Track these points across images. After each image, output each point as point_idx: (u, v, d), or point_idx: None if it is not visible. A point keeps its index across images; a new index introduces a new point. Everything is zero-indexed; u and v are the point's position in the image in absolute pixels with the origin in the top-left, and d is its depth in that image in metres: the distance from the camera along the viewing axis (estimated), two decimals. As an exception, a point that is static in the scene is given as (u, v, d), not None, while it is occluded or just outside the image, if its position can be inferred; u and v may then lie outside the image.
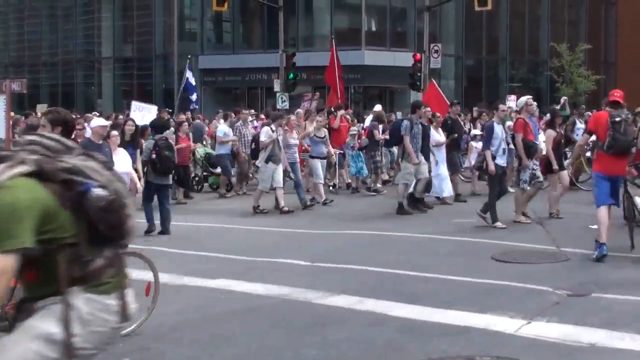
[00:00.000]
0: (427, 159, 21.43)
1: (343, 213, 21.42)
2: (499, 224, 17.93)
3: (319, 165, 23.68)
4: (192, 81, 34.26)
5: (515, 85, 62.95)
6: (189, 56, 39.30)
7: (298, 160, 23.58)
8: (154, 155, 17.87)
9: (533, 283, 12.20)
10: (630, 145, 14.25)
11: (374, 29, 60.92)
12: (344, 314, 10.78)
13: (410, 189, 21.30)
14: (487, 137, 18.76)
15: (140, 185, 17.59)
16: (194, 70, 63.83)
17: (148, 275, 10.24)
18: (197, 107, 34.96)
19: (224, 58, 62.66)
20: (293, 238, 17.68)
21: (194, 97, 34.10)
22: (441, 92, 28.61)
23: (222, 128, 26.72)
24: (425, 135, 21.20)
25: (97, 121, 16.31)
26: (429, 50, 44.53)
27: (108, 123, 16.46)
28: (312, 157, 24.17)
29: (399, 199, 20.91)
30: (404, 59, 48.82)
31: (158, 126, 19.73)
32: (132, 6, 68.68)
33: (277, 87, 43.46)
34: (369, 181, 26.25)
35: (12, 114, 19.76)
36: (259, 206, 21.75)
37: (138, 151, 19.00)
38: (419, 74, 42.11)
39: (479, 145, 23.70)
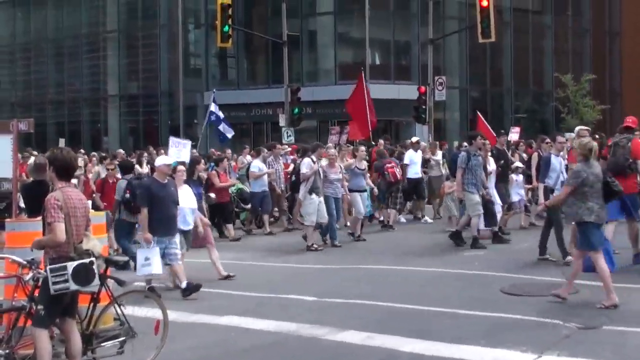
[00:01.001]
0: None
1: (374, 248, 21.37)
2: (569, 258, 16.20)
3: (359, 199, 22.83)
4: (220, 113, 33.93)
5: (521, 117, 62.95)
6: (214, 90, 39.26)
7: (341, 195, 22.60)
8: (127, 195, 18.42)
9: (543, 316, 12.15)
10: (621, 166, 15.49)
11: (378, 62, 61.02)
12: (354, 350, 10.74)
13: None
14: (544, 169, 18.14)
15: (207, 221, 17.62)
16: (200, 107, 64.44)
17: (157, 313, 10.22)
18: (229, 138, 34.69)
19: (229, 94, 62.64)
20: (306, 273, 17.61)
21: (221, 127, 33.78)
22: (486, 123, 28.54)
23: (257, 164, 25.78)
24: (484, 167, 20.61)
25: (162, 159, 16.15)
26: (433, 83, 44.57)
27: (172, 161, 16.18)
28: (351, 190, 23.06)
29: (472, 233, 20.03)
30: (408, 91, 48.81)
31: (126, 167, 19.88)
32: (137, 44, 68.86)
33: (282, 121, 43.48)
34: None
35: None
36: (312, 244, 21.03)
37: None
38: (423, 107, 42.12)
39: (519, 177, 23.46)
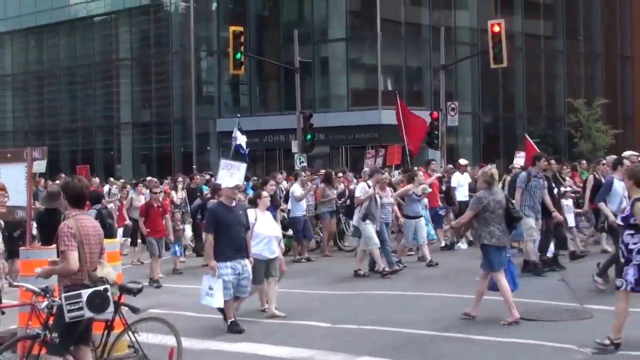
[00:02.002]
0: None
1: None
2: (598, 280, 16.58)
3: (412, 226, 22.19)
4: (242, 143, 33.75)
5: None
6: (238, 115, 39.40)
7: (391, 220, 21.97)
8: None
9: (557, 341, 12.11)
10: None
11: (390, 88, 61.12)
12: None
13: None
14: (603, 190, 17.72)
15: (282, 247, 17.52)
16: (212, 134, 64.60)
17: (171, 340, 10.22)
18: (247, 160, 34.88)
19: (242, 120, 62.55)
20: (319, 299, 17.58)
21: (243, 148, 33.71)
22: (535, 146, 28.44)
23: (297, 188, 25.34)
24: (550, 189, 19.74)
25: (225, 182, 15.92)
26: (445, 108, 44.59)
27: (236, 184, 15.64)
28: (406, 216, 22.48)
29: (530, 258, 19.26)
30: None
31: (95, 197, 19.59)
32: (149, 71, 69.13)
33: (295, 148, 43.57)
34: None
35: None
36: (359, 269, 20.61)
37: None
38: (436, 132, 42.14)
39: (568, 202, 22.84)
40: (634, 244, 11.66)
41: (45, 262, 9.69)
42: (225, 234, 14.24)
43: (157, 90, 68.26)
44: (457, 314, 14.72)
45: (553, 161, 21.75)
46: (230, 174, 23.02)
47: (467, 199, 25.33)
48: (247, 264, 14.52)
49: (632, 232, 11.73)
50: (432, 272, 20.83)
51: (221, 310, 14.49)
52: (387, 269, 20.39)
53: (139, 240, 24.44)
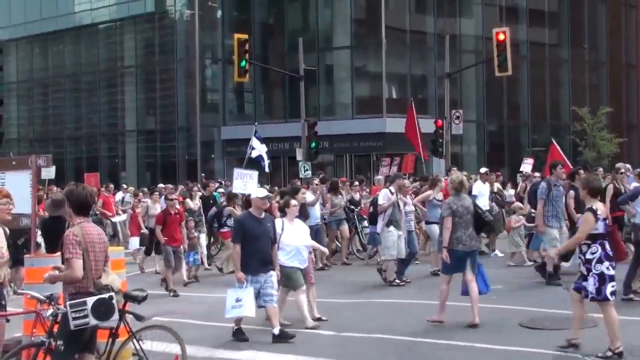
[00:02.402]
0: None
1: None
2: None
3: (437, 232, 20.41)
4: (263, 153, 33.67)
5: (538, 150, 62.89)
6: (256, 123, 39.50)
7: (414, 228, 21.97)
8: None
9: (561, 350, 12.09)
10: None
11: (394, 96, 61.13)
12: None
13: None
14: (631, 195, 17.62)
15: (324, 250, 17.47)
16: (217, 142, 64.63)
17: (175, 348, 10.23)
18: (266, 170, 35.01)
19: (246, 128, 62.82)
20: (324, 307, 17.54)
21: (263, 159, 33.70)
22: (562, 153, 28.32)
23: (308, 195, 24.34)
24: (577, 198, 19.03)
25: (255, 192, 15.26)
26: (450, 117, 44.58)
27: (267, 194, 15.11)
28: (428, 222, 22.17)
29: (548, 269, 19.01)
30: (425, 125, 48.78)
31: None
32: (154, 79, 69.21)
33: (299, 156, 43.54)
34: None
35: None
36: (394, 279, 20.12)
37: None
38: (440, 140, 42.14)
39: None
40: (592, 253, 11.85)
41: (50, 269, 9.70)
42: (251, 246, 13.95)
43: (162, 97, 68.37)
44: (460, 321, 14.70)
45: (582, 171, 21.52)
46: (244, 183, 22.84)
47: (487, 208, 24.49)
48: (272, 275, 14.20)
49: (588, 242, 11.95)
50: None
51: (237, 330, 14.26)
52: (396, 280, 20.13)
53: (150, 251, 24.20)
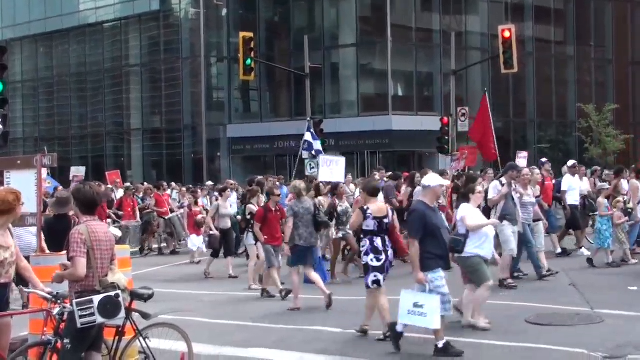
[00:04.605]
0: None
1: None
2: None
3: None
4: (317, 145, 33.38)
5: (544, 147, 62.85)
6: (308, 119, 39.46)
7: (532, 221, 19.58)
8: None
9: (569, 346, 12.07)
10: None
11: (400, 94, 61.16)
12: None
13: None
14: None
15: None
16: (222, 140, 64.65)
17: (182, 347, 10.21)
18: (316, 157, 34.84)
19: (252, 127, 63.04)
20: (337, 304, 17.48)
21: (321, 152, 33.26)
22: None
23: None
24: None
25: (435, 179, 12.84)
26: (456, 114, 44.48)
27: (446, 182, 13.97)
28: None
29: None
30: (431, 123, 48.83)
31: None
32: (160, 78, 69.20)
33: (305, 154, 43.51)
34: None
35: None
36: (506, 278, 18.14)
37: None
38: (446, 138, 42.05)
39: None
40: (362, 246, 13.63)
41: (56, 268, 9.69)
42: (434, 238, 12.28)
43: (167, 96, 68.37)
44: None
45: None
46: (331, 171, 22.47)
47: (577, 202, 24.11)
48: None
49: (360, 236, 13.76)
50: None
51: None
52: (509, 280, 18.27)
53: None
